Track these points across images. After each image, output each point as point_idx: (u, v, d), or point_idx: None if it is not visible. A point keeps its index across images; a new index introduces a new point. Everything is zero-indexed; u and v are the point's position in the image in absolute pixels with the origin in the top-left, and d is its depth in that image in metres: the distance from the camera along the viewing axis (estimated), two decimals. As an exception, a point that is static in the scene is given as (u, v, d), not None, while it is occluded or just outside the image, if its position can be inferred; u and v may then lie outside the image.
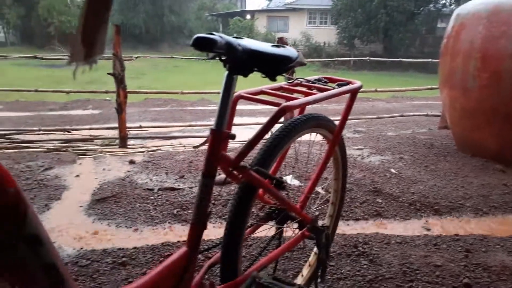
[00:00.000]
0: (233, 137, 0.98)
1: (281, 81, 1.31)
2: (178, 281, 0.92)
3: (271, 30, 22.83)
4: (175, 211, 2.29)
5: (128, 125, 4.37)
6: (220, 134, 0.97)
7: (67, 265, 1.70)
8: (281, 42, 4.59)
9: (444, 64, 3.84)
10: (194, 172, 2.93)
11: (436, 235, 2.08)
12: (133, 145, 4.53)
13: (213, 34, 0.89)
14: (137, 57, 5.35)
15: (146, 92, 5.78)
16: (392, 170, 3.07)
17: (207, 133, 1.02)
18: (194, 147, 3.83)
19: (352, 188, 2.63)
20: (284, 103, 1.02)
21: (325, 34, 22.15)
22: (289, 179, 2.54)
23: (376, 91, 5.68)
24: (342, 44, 21.79)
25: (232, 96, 0.99)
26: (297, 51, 1.06)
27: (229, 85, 0.98)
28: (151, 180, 2.78)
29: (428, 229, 2.19)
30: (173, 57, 6.31)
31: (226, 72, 0.98)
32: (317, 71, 16.63)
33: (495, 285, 1.64)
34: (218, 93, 1.10)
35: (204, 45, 0.88)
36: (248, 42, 0.99)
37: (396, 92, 9.24)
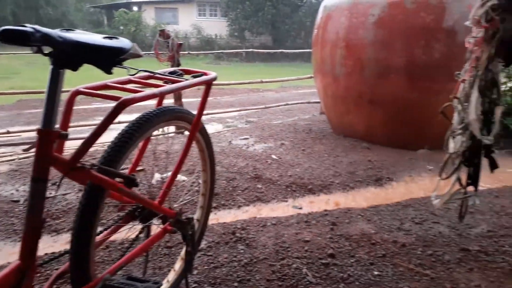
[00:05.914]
0: (65, 136, 0.92)
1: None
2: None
3: (160, 22, 22.07)
4: (43, 221, 2.09)
5: (-8, 131, 3.85)
6: (48, 134, 0.90)
7: None
8: (163, 35, 4.48)
9: (316, 53, 4.13)
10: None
11: (308, 213, 2.24)
12: (2, 153, 4.02)
13: (25, 26, 0.81)
14: (-2, 54, 4.74)
15: (15, 93, 5.17)
16: (273, 156, 3.21)
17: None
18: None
19: (235, 177, 2.69)
20: (124, 97, 0.98)
21: (216, 27, 22.21)
22: (156, 177, 2.44)
23: (261, 82, 5.88)
24: (233, 36, 22.09)
25: (59, 92, 0.92)
26: (132, 42, 1.02)
27: (55, 80, 0.91)
28: (17, 190, 2.51)
29: (300, 208, 2.35)
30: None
31: (51, 67, 0.91)
32: (210, 63, 16.64)
33: (355, 251, 1.83)
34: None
35: (14, 39, 0.80)
36: (74, 35, 0.93)
37: (284, 82, 9.67)
